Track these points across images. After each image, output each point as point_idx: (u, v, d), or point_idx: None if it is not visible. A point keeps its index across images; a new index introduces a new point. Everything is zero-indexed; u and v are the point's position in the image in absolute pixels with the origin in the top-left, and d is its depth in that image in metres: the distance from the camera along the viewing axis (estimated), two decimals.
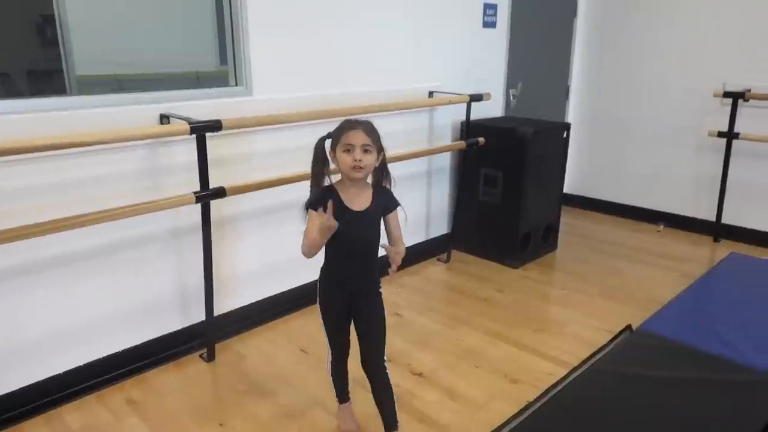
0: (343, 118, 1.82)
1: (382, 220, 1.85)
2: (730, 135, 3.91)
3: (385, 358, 1.91)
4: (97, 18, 2.49)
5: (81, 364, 2.34)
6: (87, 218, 2.01)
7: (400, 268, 1.88)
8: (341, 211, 1.74)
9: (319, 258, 1.86)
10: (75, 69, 2.45)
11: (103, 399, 2.31)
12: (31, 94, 2.40)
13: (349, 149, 1.71)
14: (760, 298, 2.95)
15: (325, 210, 1.65)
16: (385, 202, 1.84)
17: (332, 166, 1.82)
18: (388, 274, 1.84)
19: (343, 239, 1.77)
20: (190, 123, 2.17)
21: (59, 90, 2.40)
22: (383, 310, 1.91)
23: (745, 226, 4.08)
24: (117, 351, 2.44)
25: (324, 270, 1.90)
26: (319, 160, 1.80)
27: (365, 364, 1.91)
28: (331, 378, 2.07)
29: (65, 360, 2.29)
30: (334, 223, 1.66)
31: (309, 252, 1.78)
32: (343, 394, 2.11)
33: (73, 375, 2.31)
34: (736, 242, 4.06)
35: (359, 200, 1.79)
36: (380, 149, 1.78)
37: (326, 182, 1.82)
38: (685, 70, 4.18)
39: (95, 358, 2.37)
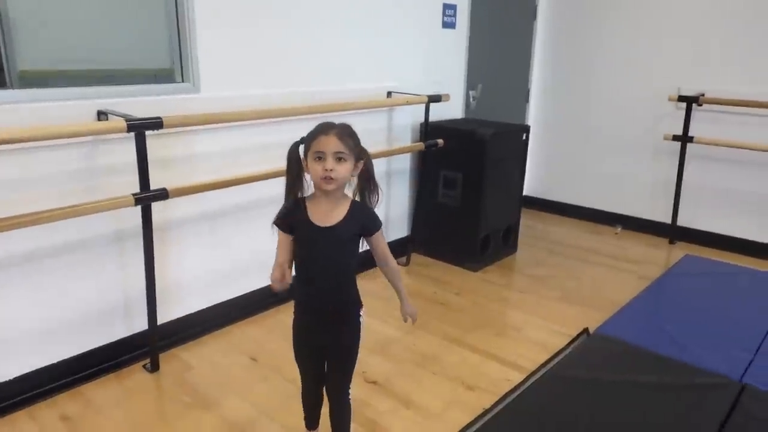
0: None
1: (361, 239, 1.66)
2: (684, 138, 3.96)
3: (350, 387, 1.79)
4: (42, 11, 2.33)
5: (9, 378, 2.17)
6: (16, 221, 1.87)
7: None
8: (304, 227, 1.60)
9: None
10: (17, 63, 2.30)
11: (34, 415, 2.15)
12: None
13: (320, 157, 1.53)
14: (714, 299, 2.97)
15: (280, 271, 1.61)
16: (362, 221, 1.62)
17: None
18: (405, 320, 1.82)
19: (304, 257, 1.64)
20: (127, 120, 2.04)
21: (0, 84, 2.24)
22: (354, 338, 1.72)
23: (699, 228, 4.15)
24: (51, 363, 2.28)
25: (295, 295, 1.73)
26: (293, 169, 1.60)
27: (327, 388, 1.81)
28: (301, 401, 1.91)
29: None
30: (281, 287, 1.62)
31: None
32: (308, 421, 1.93)
33: (0, 390, 2.15)
34: (691, 244, 4.12)
35: (329, 215, 1.60)
36: (359, 156, 1.59)
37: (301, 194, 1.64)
38: (641, 74, 4.23)
39: (26, 371, 2.21)
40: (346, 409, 1.81)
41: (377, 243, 1.69)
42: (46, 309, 2.23)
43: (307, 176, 1.61)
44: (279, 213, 1.65)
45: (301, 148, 1.61)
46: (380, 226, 1.68)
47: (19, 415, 2.14)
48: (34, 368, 2.23)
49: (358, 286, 1.74)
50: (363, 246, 1.70)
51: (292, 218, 1.61)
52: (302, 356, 1.79)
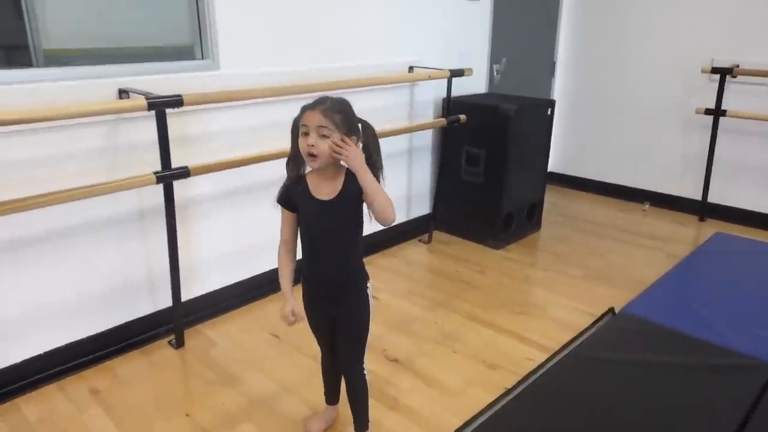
0: (318, 95, 1.66)
1: (363, 209, 1.62)
2: (717, 112, 3.82)
3: (364, 361, 1.78)
4: None
5: (41, 352, 2.23)
6: (42, 199, 1.89)
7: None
8: (306, 201, 1.60)
9: None
10: (41, 43, 2.32)
11: (65, 389, 2.21)
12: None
13: (305, 132, 1.50)
14: (745, 279, 2.89)
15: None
16: (358, 186, 1.55)
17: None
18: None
19: (307, 231, 1.65)
20: (147, 98, 2.04)
21: (25, 64, 2.25)
22: (362, 311, 1.71)
23: (731, 205, 4.03)
24: (80, 338, 2.33)
25: (302, 270, 1.72)
26: (294, 144, 1.59)
27: (337, 361, 1.82)
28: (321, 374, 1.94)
29: (24, 348, 2.19)
30: (291, 321, 1.65)
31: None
32: (327, 396, 1.96)
33: (32, 364, 2.20)
34: (722, 221, 4.01)
35: (329, 189, 1.59)
36: (350, 131, 1.54)
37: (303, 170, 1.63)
38: (672, 46, 4.08)
39: (56, 346, 2.27)
40: (361, 384, 1.80)
41: (368, 200, 1.60)
42: (73, 285, 2.27)
43: None
44: (280, 190, 1.65)
45: None
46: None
47: (50, 389, 2.20)
48: (63, 343, 2.28)
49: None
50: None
51: (294, 195, 1.62)
52: (314, 328, 1.80)
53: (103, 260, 2.33)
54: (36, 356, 2.22)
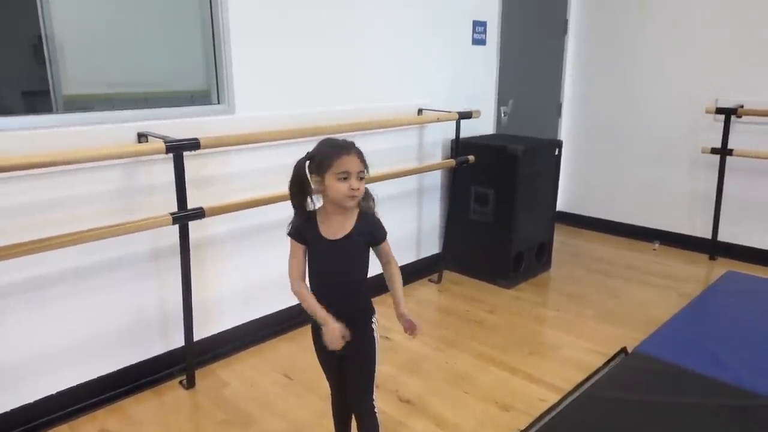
0: (327, 137, 1.72)
1: (370, 248, 1.70)
2: (723, 151, 3.86)
3: (375, 399, 1.77)
4: (86, 38, 2.45)
5: (53, 392, 2.24)
6: (60, 240, 1.94)
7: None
8: (315, 241, 1.65)
9: None
10: (62, 88, 2.41)
11: (76, 430, 2.21)
12: (22, 113, 2.35)
13: (346, 177, 1.57)
14: (759, 317, 2.87)
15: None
16: (370, 230, 1.67)
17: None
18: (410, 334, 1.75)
19: (316, 269, 1.68)
20: (166, 142, 2.11)
21: (46, 109, 2.34)
22: (370, 346, 1.73)
23: (741, 243, 4.02)
24: (92, 378, 2.34)
25: None
26: (304, 186, 1.64)
27: (349, 399, 1.81)
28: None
29: (36, 388, 2.20)
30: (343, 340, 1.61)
31: (299, 298, 1.69)
32: None
33: (44, 404, 2.21)
34: (733, 260, 3.99)
35: (339, 228, 1.64)
36: (367, 170, 1.64)
37: (309, 205, 1.68)
38: (677, 86, 4.15)
39: (68, 386, 2.28)
40: (372, 421, 1.78)
41: (384, 249, 1.72)
42: (86, 326, 2.29)
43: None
44: (293, 224, 1.69)
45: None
46: (386, 235, 1.72)
47: (61, 429, 2.20)
48: (75, 383, 2.29)
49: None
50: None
51: (304, 230, 1.67)
52: (324, 366, 1.81)
53: (117, 300, 2.36)
54: (48, 396, 2.23)
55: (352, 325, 1.68)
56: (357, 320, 1.70)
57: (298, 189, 1.65)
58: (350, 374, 1.76)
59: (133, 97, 2.53)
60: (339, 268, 1.67)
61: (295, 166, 1.65)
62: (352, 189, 1.57)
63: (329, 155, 1.59)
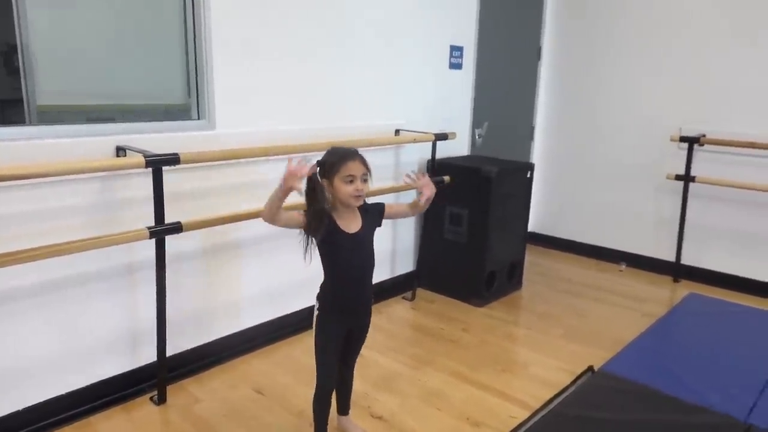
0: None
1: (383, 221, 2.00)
2: (687, 178, 4.02)
3: None
4: (62, 48, 2.43)
5: (19, 408, 2.19)
6: (34, 252, 1.92)
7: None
8: (336, 234, 1.87)
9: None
10: (36, 99, 2.38)
11: None
12: None
13: (351, 180, 1.82)
14: (718, 338, 2.98)
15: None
16: (372, 214, 1.97)
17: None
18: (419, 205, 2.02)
19: (340, 262, 1.91)
20: (145, 156, 2.12)
21: (19, 120, 2.31)
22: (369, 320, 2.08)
23: (704, 266, 4.17)
24: (60, 394, 2.30)
25: (326, 297, 1.96)
26: (314, 188, 1.85)
27: (346, 363, 2.12)
28: (315, 410, 2.05)
29: (0, 404, 2.15)
30: (300, 175, 1.72)
31: (268, 210, 1.79)
32: (341, 409, 2.21)
33: (10, 420, 2.16)
34: (696, 282, 4.13)
35: (352, 224, 1.90)
36: (370, 172, 1.90)
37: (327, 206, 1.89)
38: (643, 114, 4.32)
39: (33, 403, 2.23)
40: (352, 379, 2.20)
41: (393, 211, 2.07)
42: (57, 340, 2.26)
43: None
44: (312, 220, 1.85)
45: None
46: (383, 204, 2.02)
47: None
48: (42, 399, 2.25)
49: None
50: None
51: (323, 227, 1.85)
52: (330, 341, 1.97)
53: (89, 314, 2.33)
54: (13, 413, 2.18)
55: (366, 306, 2.03)
56: (367, 301, 2.03)
57: (311, 192, 1.85)
58: (354, 344, 2.08)
59: (110, 109, 2.51)
60: (360, 257, 1.94)
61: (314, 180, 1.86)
62: (358, 190, 1.83)
63: (336, 161, 1.84)
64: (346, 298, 1.95)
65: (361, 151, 1.96)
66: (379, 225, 2.00)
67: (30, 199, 2.08)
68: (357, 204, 1.87)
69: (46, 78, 2.36)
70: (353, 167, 1.82)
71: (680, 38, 4.09)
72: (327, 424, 2.06)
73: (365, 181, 1.86)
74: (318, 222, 1.84)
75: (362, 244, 1.93)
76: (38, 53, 2.33)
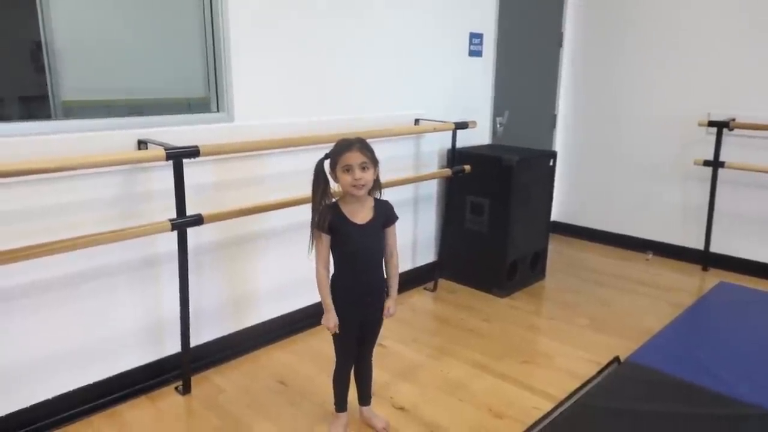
0: (327, 145, 1.85)
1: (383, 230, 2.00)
2: (715, 164, 3.91)
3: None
4: (85, 44, 2.46)
5: (49, 397, 2.24)
6: (58, 245, 1.94)
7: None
8: (344, 225, 1.89)
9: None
10: (60, 94, 2.42)
11: None
12: (20, 118, 2.37)
13: (348, 169, 1.83)
14: (749, 328, 2.90)
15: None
16: (385, 214, 1.99)
17: (333, 184, 1.93)
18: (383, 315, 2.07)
19: (349, 251, 1.93)
20: (166, 149, 2.13)
21: (45, 115, 2.36)
22: (382, 310, 2.07)
23: (733, 255, 4.06)
24: (88, 383, 2.34)
25: (337, 284, 1.99)
26: (320, 182, 1.90)
27: (362, 351, 2.12)
28: (334, 386, 2.15)
29: (31, 393, 2.20)
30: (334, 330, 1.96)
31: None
32: (342, 403, 2.18)
33: (39, 409, 2.21)
34: (725, 271, 4.03)
35: (361, 214, 1.92)
36: (376, 163, 1.90)
37: (329, 201, 1.93)
38: (670, 99, 4.21)
39: (62, 392, 2.28)
40: (371, 368, 2.21)
41: (392, 234, 2.03)
42: (83, 331, 2.30)
43: (333, 185, 1.93)
44: (318, 218, 1.91)
45: (326, 162, 1.91)
46: (397, 218, 2.03)
47: None
48: (71, 388, 2.30)
49: None
50: None
51: (331, 220, 1.89)
52: (347, 330, 2.01)
53: (114, 306, 2.37)
54: (44, 401, 2.23)
55: (374, 296, 2.03)
56: (377, 291, 2.04)
57: (318, 187, 1.89)
58: (369, 333, 2.10)
59: (132, 104, 2.55)
60: (367, 248, 1.96)
61: (315, 167, 1.91)
62: (355, 179, 1.83)
63: (336, 153, 1.86)
64: (354, 287, 1.98)
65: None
66: (386, 226, 2.01)
67: (54, 192, 2.11)
68: (358, 193, 1.87)
69: (70, 74, 2.41)
70: (350, 157, 1.83)
71: (706, 22, 3.97)
72: (347, 397, 2.16)
73: (364, 169, 1.85)
74: (321, 216, 1.88)
75: (370, 234, 1.95)
76: (62, 51, 2.38)
